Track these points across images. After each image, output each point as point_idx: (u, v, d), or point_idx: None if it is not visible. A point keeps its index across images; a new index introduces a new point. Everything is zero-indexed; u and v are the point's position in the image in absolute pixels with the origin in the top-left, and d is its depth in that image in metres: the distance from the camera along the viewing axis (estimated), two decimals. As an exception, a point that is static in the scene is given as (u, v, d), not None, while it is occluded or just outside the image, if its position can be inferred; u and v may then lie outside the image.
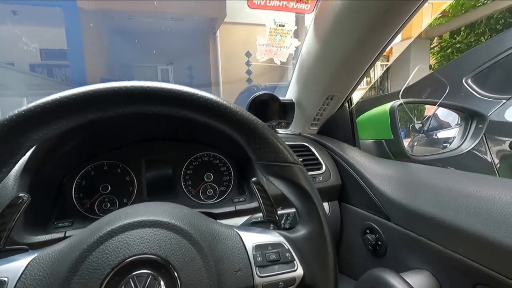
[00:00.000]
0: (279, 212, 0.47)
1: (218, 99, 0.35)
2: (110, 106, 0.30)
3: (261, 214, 0.42)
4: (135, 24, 4.62)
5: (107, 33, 4.77)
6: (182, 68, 5.35)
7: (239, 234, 0.35)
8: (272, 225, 0.41)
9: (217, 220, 0.60)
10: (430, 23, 5.56)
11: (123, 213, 0.32)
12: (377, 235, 0.60)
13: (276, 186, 0.38)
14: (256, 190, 0.42)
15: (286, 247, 0.35)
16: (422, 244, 0.50)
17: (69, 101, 0.29)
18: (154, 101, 0.32)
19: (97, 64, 4.42)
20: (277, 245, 0.35)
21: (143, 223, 0.30)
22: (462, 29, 5.15)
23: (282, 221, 0.46)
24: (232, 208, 0.61)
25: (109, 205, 0.64)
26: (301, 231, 0.37)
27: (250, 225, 0.42)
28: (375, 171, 0.64)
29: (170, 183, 0.69)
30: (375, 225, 0.61)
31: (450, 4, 4.94)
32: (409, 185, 0.56)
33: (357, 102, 0.80)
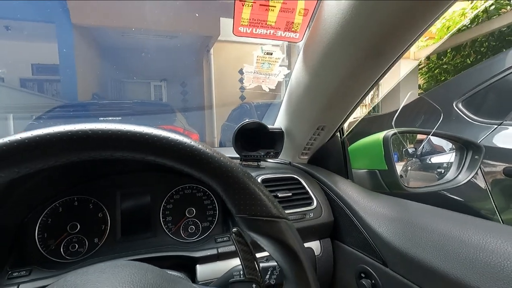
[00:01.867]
0: (264, 264, 0.41)
1: (190, 142, 0.30)
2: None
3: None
4: (128, 40, 4.64)
5: (100, 49, 4.77)
6: (175, 84, 5.35)
7: (213, 304, 0.30)
8: (254, 286, 0.36)
9: (197, 265, 0.55)
10: (418, 45, 5.75)
11: (67, 285, 0.26)
12: (373, 281, 0.55)
13: (259, 243, 0.33)
14: (236, 243, 0.36)
15: (268, 318, 0.30)
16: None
17: None
18: (112, 145, 0.27)
19: (89, 79, 4.38)
20: (258, 315, 0.30)
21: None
22: (449, 51, 5.34)
23: (267, 276, 0.40)
24: (214, 251, 0.56)
25: (77, 246, 0.57)
26: (286, 298, 0.31)
27: (229, 285, 0.36)
28: (370, 208, 0.59)
29: (147, 219, 0.63)
30: (370, 270, 0.56)
31: (436, 27, 5.13)
32: (407, 227, 0.51)
33: (350, 131, 0.77)
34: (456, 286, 0.40)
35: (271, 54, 0.60)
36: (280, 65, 0.64)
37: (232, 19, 0.51)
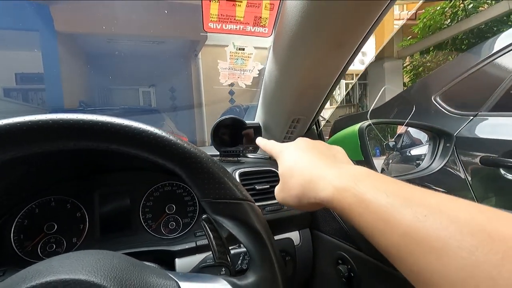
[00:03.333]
0: (236, 251, 0.42)
1: (153, 130, 0.31)
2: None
3: None
4: (115, 47, 4.60)
5: (86, 57, 4.71)
6: (164, 90, 5.32)
7: (178, 286, 0.31)
8: (224, 269, 0.37)
9: (176, 258, 0.55)
10: (401, 44, 5.90)
11: (31, 272, 0.27)
12: (349, 266, 0.57)
13: (225, 226, 0.34)
14: (207, 229, 0.37)
15: (233, 298, 0.31)
16: (397, 278, 0.46)
17: None
18: (71, 135, 0.28)
19: (75, 87, 4.31)
20: (223, 296, 0.31)
21: (52, 285, 0.25)
22: (431, 49, 5.48)
23: (239, 261, 0.41)
24: (192, 244, 0.56)
25: (54, 246, 0.57)
26: (251, 278, 0.32)
27: (200, 270, 0.37)
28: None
29: (127, 217, 0.63)
30: (346, 255, 0.57)
31: (418, 26, 5.28)
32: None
33: (328, 121, 0.79)
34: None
35: (243, 49, 0.62)
36: (254, 61, 0.65)
37: (201, 15, 0.52)
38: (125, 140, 0.31)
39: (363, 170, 0.31)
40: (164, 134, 0.32)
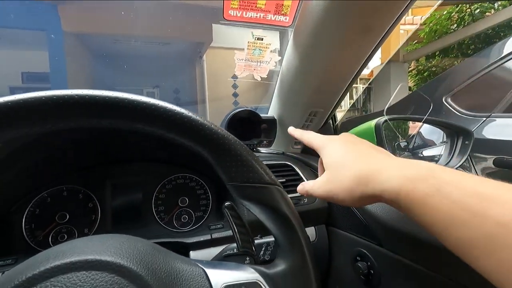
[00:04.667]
0: (258, 241, 0.41)
1: (180, 110, 0.30)
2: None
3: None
4: (121, 47, 4.62)
5: (92, 56, 4.74)
6: (168, 91, 5.34)
7: (205, 273, 0.29)
8: (248, 258, 0.35)
9: (191, 251, 0.54)
10: (407, 48, 5.88)
11: (54, 252, 0.25)
12: (368, 263, 0.55)
13: (252, 211, 0.33)
14: (230, 216, 0.36)
15: (263, 287, 0.29)
16: (419, 273, 0.44)
17: None
18: (98, 112, 0.27)
19: (80, 87, 4.32)
20: (252, 284, 0.29)
21: (77, 265, 0.24)
22: (437, 53, 5.47)
23: (261, 252, 0.40)
24: (207, 237, 0.54)
25: (66, 236, 0.55)
26: (280, 266, 0.31)
27: (222, 259, 0.36)
28: (364, 191, 0.59)
29: (139, 209, 0.62)
30: (366, 251, 0.55)
31: (424, 30, 5.27)
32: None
33: (341, 119, 0.77)
34: (450, 256, 0.39)
35: (262, 39, 0.61)
36: (271, 51, 0.64)
37: (222, 3, 0.51)
38: (152, 119, 0.30)
39: (428, 163, 0.29)
40: (191, 114, 0.31)
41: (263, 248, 0.40)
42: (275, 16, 0.54)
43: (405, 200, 0.27)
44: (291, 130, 0.49)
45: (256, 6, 0.52)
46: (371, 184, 0.30)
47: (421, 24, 5.34)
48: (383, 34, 0.45)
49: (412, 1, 0.39)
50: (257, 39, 0.60)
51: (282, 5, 0.52)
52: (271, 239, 0.47)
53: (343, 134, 0.42)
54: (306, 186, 0.40)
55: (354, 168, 0.33)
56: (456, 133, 0.78)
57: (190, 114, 0.31)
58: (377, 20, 0.43)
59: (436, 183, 0.25)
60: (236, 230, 0.35)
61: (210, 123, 0.32)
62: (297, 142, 0.78)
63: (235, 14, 0.53)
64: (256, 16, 0.54)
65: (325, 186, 0.37)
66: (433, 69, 5.61)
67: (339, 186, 0.34)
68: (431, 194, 0.25)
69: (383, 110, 0.85)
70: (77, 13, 3.87)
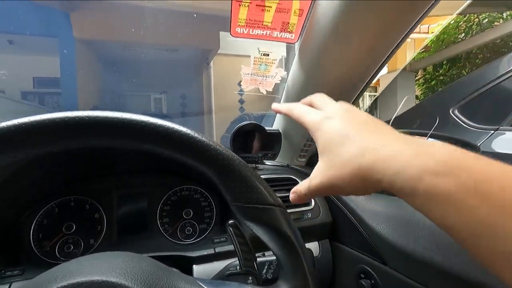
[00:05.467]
0: (260, 259, 0.41)
1: (186, 130, 0.31)
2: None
3: None
4: (129, 54, 4.71)
5: (102, 62, 4.84)
6: (175, 97, 5.40)
7: (208, 293, 0.29)
8: (250, 278, 0.35)
9: (194, 265, 0.54)
10: (414, 57, 5.86)
11: (61, 272, 0.26)
12: (372, 281, 0.54)
13: (255, 232, 0.33)
14: (233, 235, 0.36)
15: (264, 309, 0.29)
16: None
17: None
18: (105, 134, 0.28)
19: (90, 92, 4.43)
20: (254, 306, 0.29)
21: (84, 286, 0.24)
22: (444, 62, 5.44)
23: (264, 271, 0.40)
24: (211, 251, 0.55)
25: (72, 247, 0.56)
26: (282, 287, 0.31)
27: (225, 278, 0.36)
28: (368, 207, 0.59)
29: (144, 221, 0.63)
30: (370, 269, 0.55)
31: (431, 40, 5.25)
32: (405, 224, 0.51)
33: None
34: (456, 280, 0.39)
35: (268, 55, 0.62)
36: (277, 67, 0.65)
37: (229, 20, 0.52)
38: (158, 140, 0.30)
39: (452, 147, 0.23)
40: (197, 135, 0.31)
41: (266, 267, 0.40)
42: (281, 33, 0.55)
43: (423, 197, 0.22)
44: (275, 106, 0.41)
45: (262, 24, 0.53)
46: (380, 172, 0.25)
47: (427, 33, 5.32)
48: (387, 55, 0.46)
49: (417, 22, 0.40)
50: (263, 54, 0.61)
51: (288, 23, 0.53)
52: (274, 257, 0.48)
53: (341, 104, 0.34)
54: (300, 187, 0.34)
55: (356, 146, 0.27)
56: (462, 148, 0.77)
57: (196, 135, 0.31)
58: (380, 42, 0.43)
59: (469, 177, 0.20)
60: (239, 249, 0.36)
61: (216, 143, 0.33)
62: (301, 154, 0.78)
63: (242, 32, 0.54)
64: (263, 33, 0.55)
65: (323, 174, 0.30)
66: (441, 78, 5.57)
67: (342, 172, 0.28)
68: (461, 191, 0.20)
69: (389, 121, 0.85)
70: (88, 21, 3.97)
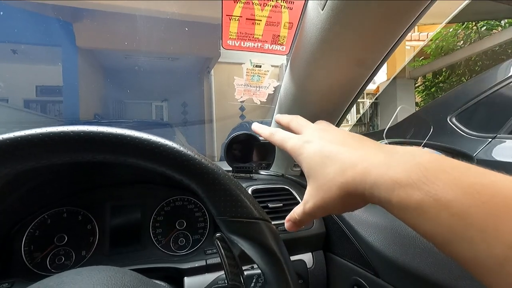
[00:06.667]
0: (249, 272, 0.41)
1: (171, 144, 0.31)
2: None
3: None
4: (131, 62, 4.77)
5: (104, 71, 4.90)
6: (176, 104, 5.44)
7: (190, 309, 0.29)
8: (237, 292, 0.35)
9: (185, 277, 0.54)
10: (413, 64, 5.90)
11: (41, 287, 0.26)
12: (366, 294, 0.53)
13: (240, 246, 0.33)
14: (221, 248, 0.36)
15: (248, 325, 0.29)
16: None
17: None
18: (90, 147, 0.28)
19: (92, 100, 4.47)
20: (238, 322, 0.29)
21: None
22: (444, 70, 5.46)
23: (252, 284, 0.39)
24: (202, 263, 0.54)
25: (63, 259, 0.56)
26: (266, 303, 0.31)
27: (211, 292, 0.36)
28: (361, 218, 0.59)
29: (137, 232, 0.62)
30: (363, 281, 0.54)
31: (430, 47, 5.29)
32: (398, 236, 0.51)
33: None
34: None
35: (260, 66, 0.62)
36: (270, 78, 0.66)
37: (221, 34, 0.53)
38: (142, 154, 0.30)
39: (427, 155, 0.24)
40: (181, 148, 0.32)
41: (254, 280, 0.40)
42: (272, 45, 0.56)
43: (397, 208, 0.23)
44: (255, 127, 0.43)
45: (253, 37, 0.54)
46: (360, 186, 0.26)
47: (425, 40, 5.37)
48: (376, 66, 0.46)
49: (401, 39, 0.40)
50: (256, 66, 0.62)
51: (279, 35, 0.54)
52: (262, 270, 0.47)
53: (319, 124, 0.37)
54: (294, 214, 0.35)
55: (337, 165, 0.28)
56: (457, 157, 0.77)
57: (181, 148, 0.32)
58: (367, 54, 0.44)
59: (431, 189, 0.21)
60: (226, 263, 0.35)
61: (201, 156, 0.33)
62: (296, 164, 0.78)
63: (233, 44, 0.55)
64: (254, 46, 0.56)
65: (314, 197, 0.31)
66: (440, 85, 5.59)
67: (330, 187, 0.29)
68: (426, 204, 0.20)
69: (383, 130, 0.85)
70: (91, 30, 4.03)
